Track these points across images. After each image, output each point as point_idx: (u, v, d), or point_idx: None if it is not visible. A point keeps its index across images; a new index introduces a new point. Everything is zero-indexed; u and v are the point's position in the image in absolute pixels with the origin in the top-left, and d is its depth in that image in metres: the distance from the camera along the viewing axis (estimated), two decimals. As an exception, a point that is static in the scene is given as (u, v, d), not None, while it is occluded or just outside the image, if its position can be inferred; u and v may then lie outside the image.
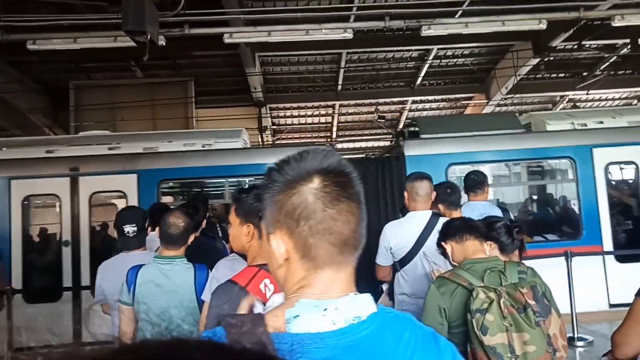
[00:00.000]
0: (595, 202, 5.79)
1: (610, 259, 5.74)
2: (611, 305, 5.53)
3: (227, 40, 6.37)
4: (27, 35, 5.96)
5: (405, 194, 3.09)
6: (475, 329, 1.73)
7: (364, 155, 7.03)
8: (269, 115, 13.28)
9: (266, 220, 0.83)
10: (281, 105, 13.61)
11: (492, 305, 1.75)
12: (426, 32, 6.58)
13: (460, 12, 7.84)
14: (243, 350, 0.47)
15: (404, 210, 4.35)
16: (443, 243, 2.20)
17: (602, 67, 11.59)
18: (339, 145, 15.05)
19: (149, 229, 3.07)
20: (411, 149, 5.93)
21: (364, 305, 0.78)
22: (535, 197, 7.27)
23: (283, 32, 6.38)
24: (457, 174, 6.10)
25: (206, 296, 2.21)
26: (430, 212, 3.01)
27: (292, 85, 12.65)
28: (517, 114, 7.72)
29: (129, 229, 2.85)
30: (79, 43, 6.15)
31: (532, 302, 1.77)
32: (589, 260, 5.42)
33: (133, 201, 5.60)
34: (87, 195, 5.78)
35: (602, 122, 6.37)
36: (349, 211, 0.78)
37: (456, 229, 2.16)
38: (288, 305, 0.77)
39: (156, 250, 2.87)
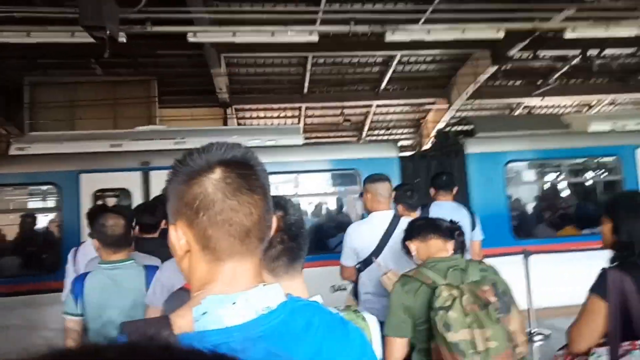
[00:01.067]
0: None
1: None
2: None
3: (191, 39, 6.30)
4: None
5: (366, 195, 3.12)
6: (439, 326, 1.77)
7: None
8: (234, 116, 13.17)
9: (168, 211, 0.82)
10: (247, 107, 13.53)
11: (454, 302, 1.79)
12: (390, 37, 6.74)
13: (423, 20, 8.08)
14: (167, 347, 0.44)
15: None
16: (408, 242, 2.23)
17: (555, 76, 12.17)
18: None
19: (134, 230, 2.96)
20: (472, 147, 6.12)
21: (274, 295, 0.78)
22: (583, 193, 7.51)
23: (249, 32, 6.36)
24: (514, 171, 6.47)
25: (149, 299, 2.20)
26: (392, 212, 3.07)
27: (258, 86, 12.61)
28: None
29: (115, 230, 2.75)
30: (33, 37, 5.87)
31: (493, 299, 1.81)
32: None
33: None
34: (158, 190, 5.56)
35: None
36: (251, 203, 0.78)
37: (420, 228, 2.21)
38: (195, 303, 0.75)
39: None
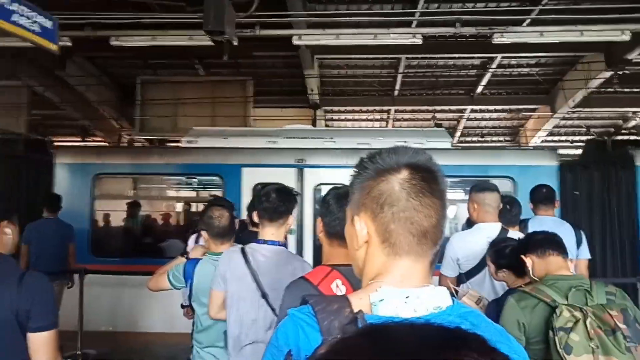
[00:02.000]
0: None
1: None
2: None
3: (295, 42, 6.43)
4: (111, 32, 6.25)
5: (472, 204, 3.01)
6: (558, 347, 1.68)
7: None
8: (323, 117, 13.30)
9: (353, 203, 0.88)
10: (336, 108, 13.60)
11: (577, 324, 1.69)
12: (498, 39, 6.35)
13: (528, 20, 7.52)
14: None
15: (469, 222, 4.26)
16: (523, 256, 2.12)
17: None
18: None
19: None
20: None
21: (443, 297, 0.81)
22: None
23: (351, 35, 6.34)
24: None
25: (213, 283, 2.37)
26: (499, 225, 2.93)
27: (348, 88, 12.62)
28: None
29: (220, 222, 2.88)
30: (157, 41, 6.39)
31: (622, 326, 1.68)
32: None
33: None
34: (311, 187, 5.96)
35: None
36: (432, 206, 0.82)
37: (539, 243, 2.10)
38: (371, 290, 0.80)
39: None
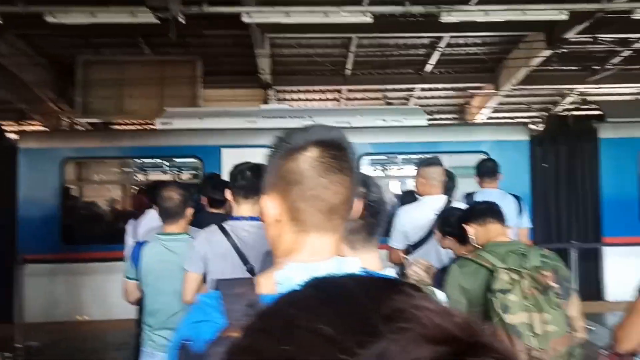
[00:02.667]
0: None
1: None
2: None
3: (245, 19, 6.27)
4: (45, 8, 5.82)
5: (419, 179, 3.13)
6: (497, 308, 1.78)
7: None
8: (275, 97, 13.16)
9: (265, 183, 0.90)
10: (288, 88, 13.47)
11: (514, 285, 1.79)
12: (446, 18, 6.49)
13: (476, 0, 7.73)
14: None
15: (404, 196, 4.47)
16: (465, 225, 2.25)
17: (614, 62, 11.50)
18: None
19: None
20: (605, 132, 6.13)
21: (351, 266, 0.82)
22: None
23: (301, 13, 6.26)
24: None
25: (187, 265, 2.36)
26: (444, 197, 3.06)
27: (300, 68, 12.51)
28: None
29: (170, 204, 2.85)
30: (97, 17, 6.02)
31: (554, 285, 1.81)
32: None
33: None
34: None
35: None
36: (341, 183, 0.84)
37: (480, 212, 2.23)
38: (278, 268, 0.82)
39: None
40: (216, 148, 5.83)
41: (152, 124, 11.71)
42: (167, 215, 2.61)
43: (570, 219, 6.23)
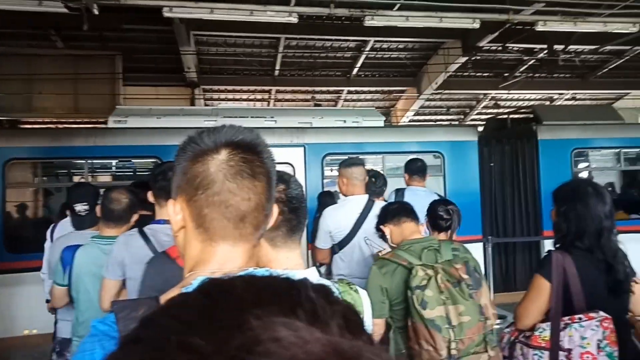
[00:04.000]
0: None
1: None
2: None
3: (166, 14, 6.04)
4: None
5: (341, 179, 3.16)
6: (416, 304, 1.85)
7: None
8: (202, 96, 12.84)
9: (173, 187, 0.83)
10: (215, 87, 13.21)
11: (430, 281, 1.88)
12: (369, 22, 6.70)
13: (398, 5, 8.06)
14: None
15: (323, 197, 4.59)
16: (382, 226, 2.30)
17: (521, 69, 12.51)
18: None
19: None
20: (543, 134, 6.58)
21: None
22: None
23: (226, 10, 6.16)
24: (580, 157, 7.09)
25: (105, 272, 2.24)
26: (366, 197, 3.12)
27: (227, 67, 12.31)
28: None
29: (80, 207, 2.70)
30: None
31: (465, 277, 1.91)
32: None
33: (300, 173, 5.85)
34: None
35: None
36: (251, 188, 0.77)
37: (394, 212, 2.28)
38: (185, 283, 0.75)
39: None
40: (177, 148, 5.62)
41: (64, 123, 10.98)
42: (110, 218, 2.45)
43: (514, 215, 6.73)
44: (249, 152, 0.79)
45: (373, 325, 1.99)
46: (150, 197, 2.27)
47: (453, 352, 1.81)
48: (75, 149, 5.79)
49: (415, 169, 4.02)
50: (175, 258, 1.50)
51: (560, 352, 1.79)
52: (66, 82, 9.78)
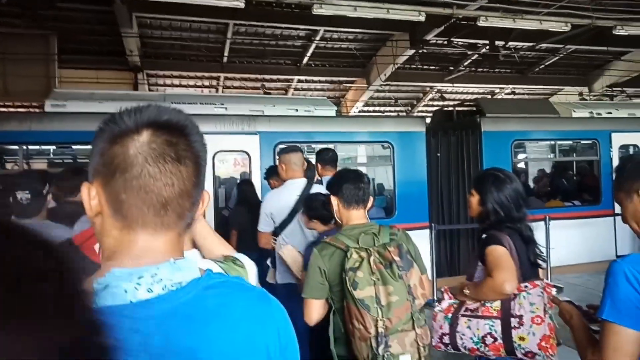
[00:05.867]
0: (609, 173, 7.19)
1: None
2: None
3: (104, -9, 5.70)
4: None
5: (281, 165, 3.33)
6: (348, 285, 1.91)
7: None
8: (146, 82, 12.33)
9: (89, 170, 0.77)
10: (160, 73, 12.72)
11: (362, 263, 1.94)
12: (317, 10, 6.68)
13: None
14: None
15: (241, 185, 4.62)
16: (331, 196, 2.28)
17: (465, 64, 12.94)
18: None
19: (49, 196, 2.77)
20: (487, 126, 6.87)
21: (186, 270, 0.72)
22: (571, 170, 8.67)
23: (170, -9, 5.91)
24: (519, 148, 7.49)
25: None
26: (305, 180, 3.30)
27: (173, 52, 11.88)
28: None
29: (22, 195, 2.55)
30: None
31: (397, 259, 1.97)
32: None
33: (255, 161, 5.90)
34: (211, 154, 5.51)
35: (610, 113, 8.08)
36: (174, 173, 0.72)
37: (347, 196, 2.23)
38: (99, 274, 0.70)
39: None
40: None
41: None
42: (21, 212, 2.40)
43: (459, 203, 6.99)
44: (175, 134, 0.73)
45: (312, 306, 2.09)
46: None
47: (380, 330, 1.87)
48: (8, 134, 5.39)
49: (328, 159, 4.02)
50: (79, 245, 1.46)
51: (512, 319, 2.01)
52: (-7, 61, 9.08)
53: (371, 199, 2.30)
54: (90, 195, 0.74)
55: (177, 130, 0.74)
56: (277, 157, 3.47)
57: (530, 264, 2.18)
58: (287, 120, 6.30)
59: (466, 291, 2.13)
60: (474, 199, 2.28)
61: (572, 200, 7.67)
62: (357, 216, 2.22)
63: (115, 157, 0.72)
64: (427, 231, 6.55)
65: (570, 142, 8.30)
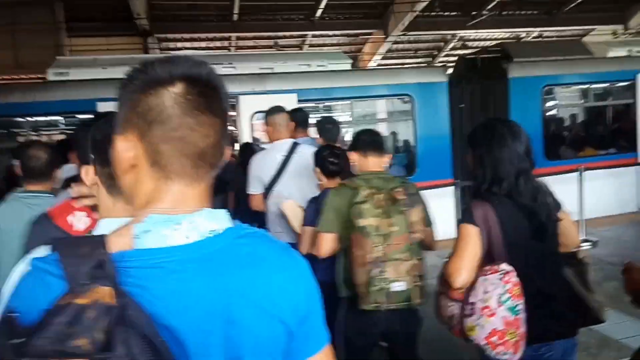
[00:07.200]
0: None
1: None
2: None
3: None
4: None
5: (267, 127, 3.33)
6: (353, 215, 2.12)
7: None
8: (157, 46, 12.06)
9: (117, 119, 0.76)
10: (171, 36, 12.41)
11: (370, 197, 2.15)
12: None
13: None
14: None
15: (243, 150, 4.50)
16: (350, 152, 2.47)
17: (489, 7, 12.15)
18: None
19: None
20: (514, 71, 6.40)
21: (221, 220, 0.75)
22: (606, 115, 8.04)
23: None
24: (550, 93, 6.98)
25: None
26: (291, 140, 3.27)
27: (182, 13, 11.51)
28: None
29: (34, 163, 2.53)
30: None
31: (402, 197, 2.15)
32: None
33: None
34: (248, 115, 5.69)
35: None
36: (210, 125, 0.74)
37: (363, 144, 2.42)
38: (136, 221, 0.72)
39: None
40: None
41: (4, 80, 10.15)
42: (32, 175, 2.39)
43: None
44: (206, 87, 0.74)
45: (324, 239, 2.32)
46: (74, 159, 2.09)
47: (379, 254, 2.08)
48: (12, 106, 5.28)
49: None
50: (52, 218, 1.49)
51: (466, 306, 1.73)
52: (3, 32, 8.94)
53: (390, 154, 2.47)
54: (127, 147, 0.74)
55: (209, 84, 0.75)
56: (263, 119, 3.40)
57: (532, 236, 1.78)
58: (299, 77, 5.99)
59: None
60: (469, 157, 1.93)
61: (607, 148, 7.22)
62: (373, 164, 2.39)
63: (152, 107, 0.72)
64: (452, 188, 6.29)
65: (606, 85, 7.68)
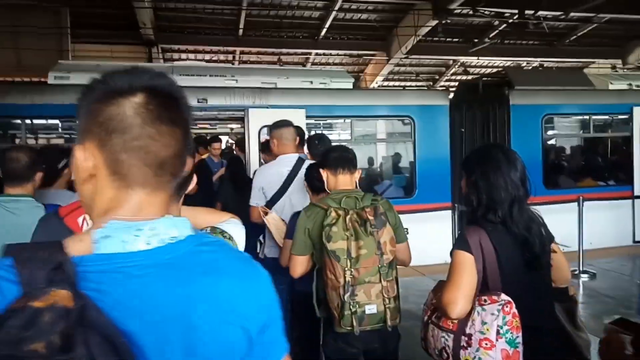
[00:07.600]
0: None
1: None
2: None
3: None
4: None
5: (272, 141, 3.34)
6: (323, 238, 2.10)
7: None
8: (160, 56, 12.11)
9: (78, 131, 0.78)
10: (175, 47, 12.48)
11: (339, 220, 2.13)
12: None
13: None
14: None
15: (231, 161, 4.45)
16: (321, 169, 2.47)
17: (491, 35, 12.30)
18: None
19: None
20: (515, 98, 6.45)
21: (182, 227, 0.76)
22: (606, 147, 8.15)
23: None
24: (550, 122, 7.00)
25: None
26: (297, 156, 3.28)
27: (188, 25, 11.59)
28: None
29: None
30: None
31: (371, 218, 2.14)
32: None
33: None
34: (256, 129, 5.66)
35: None
36: (171, 135, 0.75)
37: (333, 162, 2.42)
38: (96, 227, 0.73)
39: None
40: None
41: (6, 81, 10.13)
42: (11, 178, 2.37)
43: None
44: (167, 97, 0.76)
45: (296, 261, 2.34)
46: None
47: (348, 279, 2.06)
48: (9, 107, 5.24)
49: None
50: (63, 217, 1.48)
51: (462, 337, 1.65)
52: (5, 36, 8.94)
53: (359, 170, 2.45)
54: (86, 157, 0.74)
55: (169, 95, 0.77)
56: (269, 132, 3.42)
57: (526, 267, 1.73)
58: (301, 93, 5.99)
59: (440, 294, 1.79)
60: (463, 182, 1.87)
61: (605, 180, 7.20)
62: (344, 182, 2.39)
63: (113, 117, 0.72)
64: (449, 212, 6.24)
65: (606, 117, 7.71)
